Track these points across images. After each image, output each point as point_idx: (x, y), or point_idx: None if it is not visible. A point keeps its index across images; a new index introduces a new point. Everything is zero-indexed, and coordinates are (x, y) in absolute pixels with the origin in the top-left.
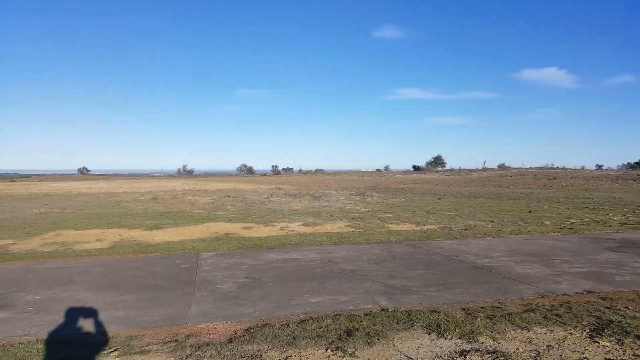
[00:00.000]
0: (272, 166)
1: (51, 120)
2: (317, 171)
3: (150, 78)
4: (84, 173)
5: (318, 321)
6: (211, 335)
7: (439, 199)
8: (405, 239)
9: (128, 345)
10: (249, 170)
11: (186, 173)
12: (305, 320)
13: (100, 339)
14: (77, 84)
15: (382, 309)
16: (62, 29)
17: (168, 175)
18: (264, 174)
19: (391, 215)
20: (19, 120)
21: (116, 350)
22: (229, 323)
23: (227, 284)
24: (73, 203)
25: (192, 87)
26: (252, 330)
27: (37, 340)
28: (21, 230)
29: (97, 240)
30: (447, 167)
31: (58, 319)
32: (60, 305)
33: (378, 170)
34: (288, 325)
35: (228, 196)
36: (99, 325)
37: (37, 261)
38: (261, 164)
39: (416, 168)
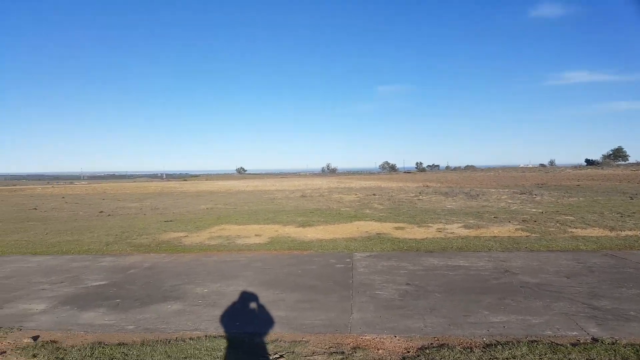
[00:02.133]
0: (416, 163)
1: (217, 126)
2: (467, 168)
3: (300, 81)
4: (241, 172)
5: (510, 348)
6: (379, 351)
7: (631, 198)
8: (599, 247)
9: (292, 352)
10: (392, 168)
11: (330, 171)
12: (491, 344)
13: (265, 341)
14: (239, 94)
15: (594, 339)
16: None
17: (313, 174)
18: (407, 172)
19: (573, 218)
20: (192, 127)
21: (282, 357)
22: (397, 338)
23: (388, 290)
24: (234, 200)
25: (334, 87)
26: (427, 351)
27: (206, 336)
28: (192, 224)
29: (255, 235)
30: (631, 160)
31: (224, 314)
32: (226, 300)
33: (542, 165)
34: (472, 349)
35: (374, 194)
36: (262, 324)
37: (205, 254)
38: (404, 161)
39: (590, 162)
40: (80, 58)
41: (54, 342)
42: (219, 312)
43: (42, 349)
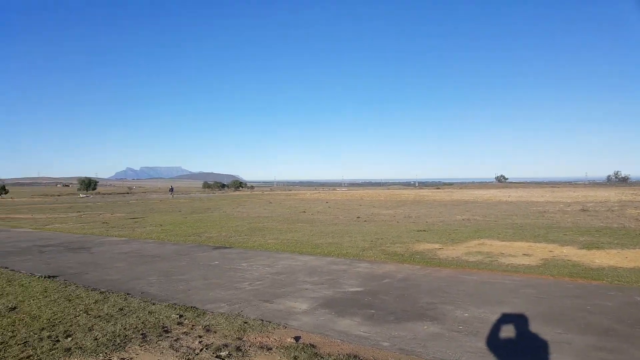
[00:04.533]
0: None
1: (475, 131)
2: None
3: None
4: (501, 181)
5: None
6: None
7: None
8: None
9: None
10: None
11: (619, 180)
12: None
13: None
14: (504, 95)
15: None
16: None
17: (594, 183)
18: None
19: None
20: (446, 134)
21: None
22: None
23: None
24: (494, 211)
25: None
26: None
27: None
28: (447, 235)
29: (523, 254)
30: None
31: (490, 348)
32: (491, 330)
33: None
34: None
35: None
36: None
37: (463, 271)
38: None
39: None
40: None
41: (313, 346)
42: (482, 343)
43: (302, 352)
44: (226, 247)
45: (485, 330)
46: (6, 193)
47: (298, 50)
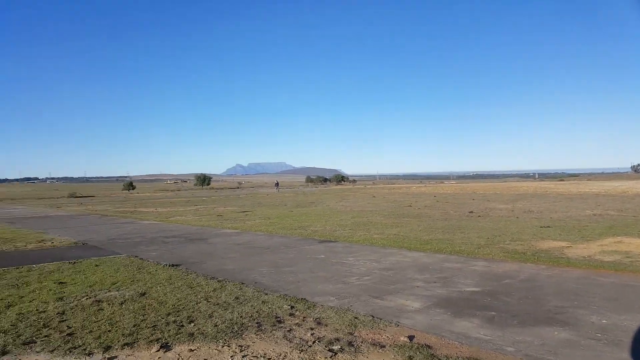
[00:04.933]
0: None
1: (602, 115)
2: None
3: None
4: (638, 171)
5: None
6: None
7: None
8: None
9: None
10: None
11: None
12: None
13: None
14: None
15: None
16: None
17: None
18: None
19: None
20: (568, 121)
21: None
22: None
23: None
24: (631, 205)
25: None
26: None
27: None
28: (576, 232)
29: None
30: None
31: None
32: (636, 341)
33: None
34: None
35: None
36: None
37: (597, 272)
38: None
39: None
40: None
41: (429, 346)
42: (626, 355)
43: (418, 352)
44: (331, 241)
45: (629, 340)
46: (134, 189)
47: (407, 45)
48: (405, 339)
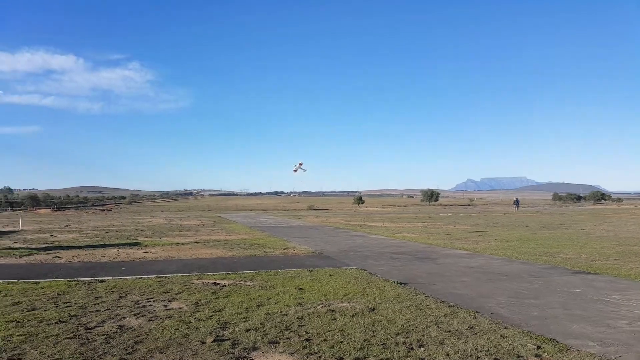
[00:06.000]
0: None
1: None
2: None
3: None
4: None
5: None
6: None
7: None
8: None
9: None
10: None
11: None
12: None
13: None
14: None
15: None
16: None
17: None
18: None
19: None
20: None
21: None
22: None
23: None
24: None
25: None
26: None
27: None
28: None
29: None
30: None
31: None
32: None
33: None
34: None
35: None
36: None
37: None
38: None
39: None
40: None
41: None
42: None
43: None
44: (590, 273)
45: None
46: (362, 203)
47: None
48: None
